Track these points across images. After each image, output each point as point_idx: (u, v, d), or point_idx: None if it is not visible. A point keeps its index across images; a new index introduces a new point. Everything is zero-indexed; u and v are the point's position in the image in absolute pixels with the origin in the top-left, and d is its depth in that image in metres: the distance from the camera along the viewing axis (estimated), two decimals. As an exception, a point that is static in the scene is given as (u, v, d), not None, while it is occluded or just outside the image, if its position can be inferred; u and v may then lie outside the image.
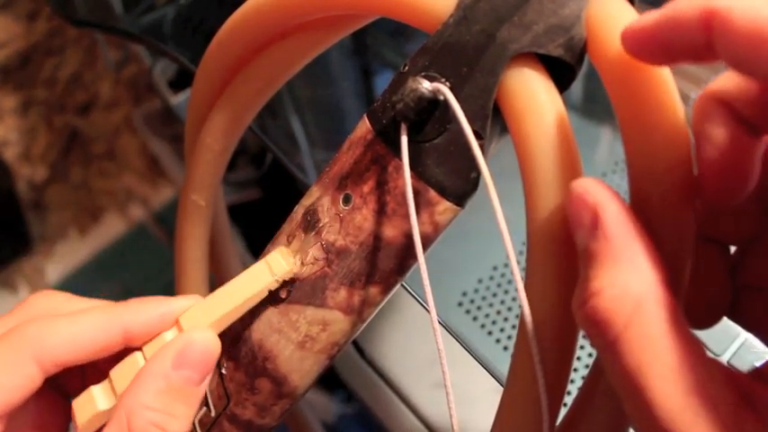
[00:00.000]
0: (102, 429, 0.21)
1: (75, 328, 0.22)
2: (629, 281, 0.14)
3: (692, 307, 0.18)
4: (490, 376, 0.35)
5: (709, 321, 0.19)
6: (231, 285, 0.23)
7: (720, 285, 0.18)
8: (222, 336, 0.23)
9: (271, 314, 0.23)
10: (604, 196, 0.15)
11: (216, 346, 0.22)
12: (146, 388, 0.21)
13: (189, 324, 0.22)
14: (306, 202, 0.23)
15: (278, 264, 0.23)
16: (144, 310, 0.22)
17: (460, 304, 0.38)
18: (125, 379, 0.22)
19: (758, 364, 0.15)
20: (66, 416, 0.25)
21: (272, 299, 0.23)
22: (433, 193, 0.20)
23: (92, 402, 0.22)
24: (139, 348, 0.23)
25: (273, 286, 0.23)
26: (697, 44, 0.14)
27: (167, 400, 0.21)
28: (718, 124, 0.15)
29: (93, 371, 0.25)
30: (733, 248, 0.19)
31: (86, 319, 0.22)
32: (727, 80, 0.15)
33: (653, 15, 0.15)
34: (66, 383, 0.25)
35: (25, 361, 0.21)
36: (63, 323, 0.22)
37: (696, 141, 0.16)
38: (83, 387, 0.24)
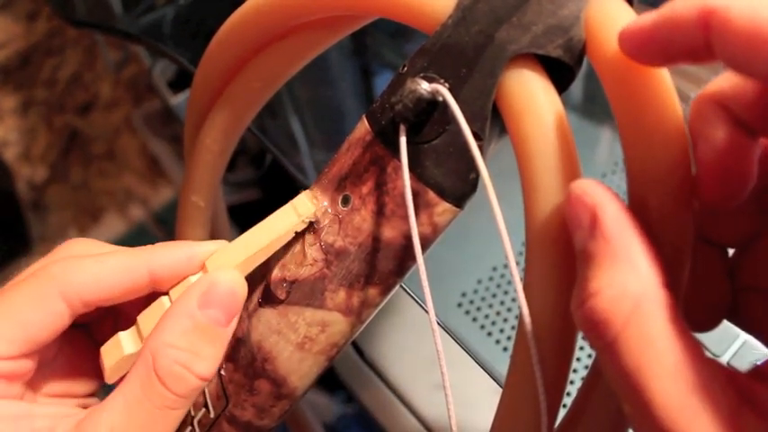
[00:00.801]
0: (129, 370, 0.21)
1: (100, 267, 0.22)
2: (628, 281, 0.14)
3: (692, 310, 0.18)
4: (489, 377, 0.35)
5: (709, 324, 0.19)
6: (258, 228, 0.22)
7: (720, 288, 0.18)
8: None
9: (270, 315, 0.23)
10: (603, 197, 0.15)
11: (242, 286, 0.22)
12: (171, 327, 0.21)
13: (215, 267, 0.22)
14: (305, 202, 0.23)
15: (303, 205, 0.22)
16: (170, 253, 0.22)
17: (460, 305, 0.38)
18: (152, 322, 0.21)
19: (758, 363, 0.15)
20: (98, 364, 0.24)
21: (272, 300, 0.23)
22: (431, 195, 0.20)
23: (118, 347, 0.22)
24: (166, 293, 0.22)
25: (300, 227, 0.22)
26: (695, 44, 0.14)
27: (193, 340, 0.21)
28: (715, 126, 0.15)
29: (126, 322, 0.24)
30: (731, 251, 0.19)
31: (112, 259, 0.22)
32: (724, 82, 0.15)
33: (650, 16, 0.15)
34: (98, 334, 0.25)
35: (52, 297, 0.21)
36: (89, 262, 0.22)
37: (693, 143, 0.16)
38: (114, 334, 0.24)
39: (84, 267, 0.22)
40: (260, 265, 0.23)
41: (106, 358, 0.22)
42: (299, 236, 0.22)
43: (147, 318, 0.22)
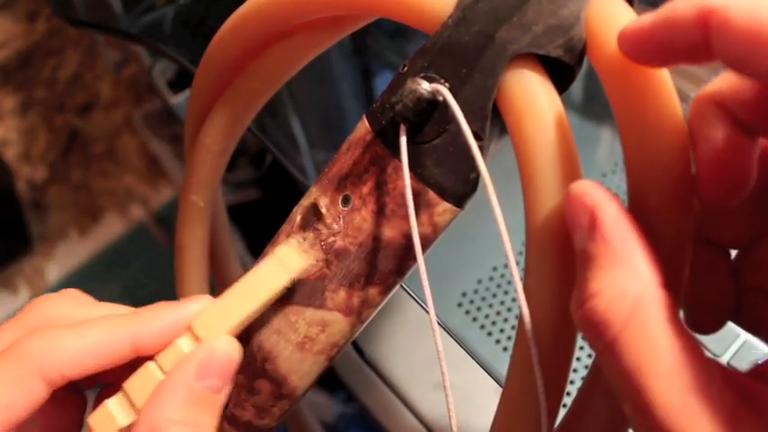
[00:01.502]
0: None
1: (81, 342, 0.21)
2: (627, 282, 0.14)
3: (696, 311, 0.18)
4: (489, 377, 0.35)
5: (713, 326, 0.19)
6: (244, 284, 0.22)
7: (723, 289, 0.18)
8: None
9: (270, 315, 0.23)
10: (602, 198, 0.15)
11: (238, 351, 0.22)
12: (169, 401, 0.20)
13: (203, 330, 0.21)
14: (305, 202, 0.23)
15: (291, 258, 0.22)
16: (154, 320, 0.22)
17: (460, 305, 0.38)
18: (142, 391, 0.21)
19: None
20: (78, 409, 0.24)
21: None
22: (432, 195, 0.20)
23: (110, 418, 0.21)
24: (152, 357, 0.22)
25: (289, 285, 0.22)
26: (694, 44, 0.14)
27: (191, 412, 0.20)
28: (714, 126, 0.15)
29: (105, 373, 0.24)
30: (733, 252, 0.19)
31: (94, 331, 0.21)
32: (722, 82, 0.15)
33: (649, 17, 0.15)
34: (79, 382, 0.24)
35: (31, 377, 0.20)
36: (69, 337, 0.21)
37: (693, 143, 0.16)
38: (95, 381, 0.23)
39: (64, 344, 0.21)
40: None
41: (95, 428, 0.21)
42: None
43: (135, 385, 0.21)
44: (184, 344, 0.21)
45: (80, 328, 0.21)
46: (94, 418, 0.22)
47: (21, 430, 0.21)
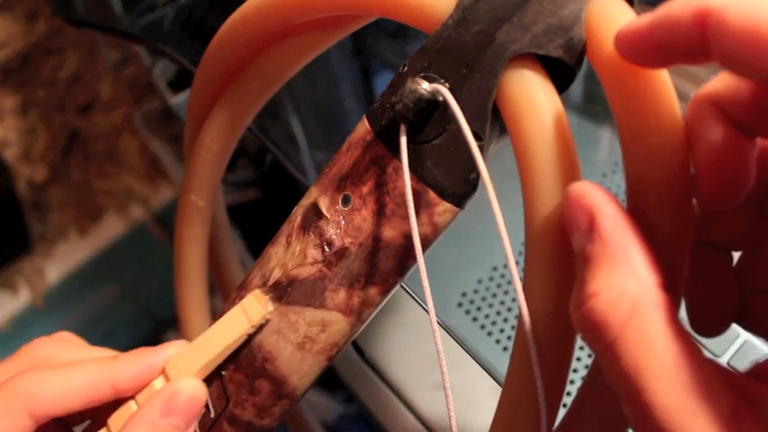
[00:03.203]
0: None
1: (66, 383, 0.23)
2: (626, 283, 0.14)
3: (700, 314, 0.18)
4: (489, 377, 0.35)
5: (717, 328, 0.19)
6: (211, 332, 0.24)
7: (727, 291, 0.18)
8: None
9: (270, 315, 0.23)
10: (600, 199, 0.15)
11: (202, 392, 0.23)
12: None
13: (174, 372, 0.24)
14: (305, 202, 0.23)
15: (253, 308, 0.23)
16: (132, 364, 0.24)
17: (460, 305, 0.38)
18: (121, 426, 0.23)
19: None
20: None
21: (275, 298, 0.23)
22: (432, 195, 0.20)
23: None
24: (133, 397, 0.24)
25: (251, 331, 0.23)
26: (691, 45, 0.14)
27: None
28: (711, 127, 0.15)
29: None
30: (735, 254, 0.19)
31: (77, 373, 0.23)
32: (719, 83, 0.15)
33: (646, 18, 0.15)
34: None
35: (19, 413, 0.22)
36: (55, 378, 0.23)
37: (691, 143, 0.16)
38: (81, 418, 0.25)
39: (50, 384, 0.22)
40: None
41: None
42: (305, 229, 0.23)
43: (116, 421, 0.24)
44: (158, 384, 0.24)
45: (66, 371, 0.23)
46: None
47: None
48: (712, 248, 0.18)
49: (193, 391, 0.23)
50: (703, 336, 0.19)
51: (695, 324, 0.19)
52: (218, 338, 0.24)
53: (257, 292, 0.24)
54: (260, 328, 0.23)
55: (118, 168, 1.16)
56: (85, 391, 0.23)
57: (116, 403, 0.24)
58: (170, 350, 0.24)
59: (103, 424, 0.24)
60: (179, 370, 0.24)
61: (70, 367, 0.23)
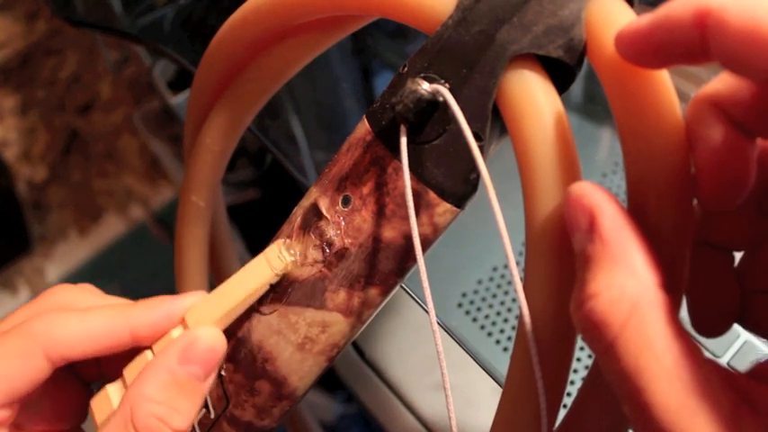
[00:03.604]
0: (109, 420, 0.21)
1: (83, 326, 0.22)
2: (626, 283, 0.14)
3: (701, 315, 0.18)
4: (489, 377, 0.35)
5: (719, 329, 0.19)
6: (232, 281, 0.23)
7: (728, 292, 0.18)
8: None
9: (270, 316, 0.23)
10: (601, 199, 0.15)
11: (221, 342, 0.23)
12: (151, 381, 0.21)
13: (194, 321, 0.23)
14: (305, 203, 0.23)
15: (275, 258, 0.23)
16: (151, 310, 0.23)
17: (460, 305, 0.38)
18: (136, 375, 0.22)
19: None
20: (83, 399, 0.25)
21: (275, 299, 0.23)
22: (432, 195, 0.20)
23: (107, 401, 0.23)
24: (149, 347, 0.23)
25: (273, 280, 0.23)
26: (691, 45, 0.14)
27: (171, 394, 0.21)
28: (711, 127, 0.15)
29: (108, 359, 0.25)
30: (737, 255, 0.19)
31: (95, 317, 0.22)
32: (719, 83, 0.15)
33: (646, 18, 0.15)
34: (82, 370, 0.26)
35: (35, 354, 0.22)
36: (72, 320, 0.22)
37: (691, 144, 0.16)
38: (98, 374, 0.25)
39: (67, 325, 0.22)
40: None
41: (97, 413, 0.23)
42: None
43: (132, 372, 0.23)
44: (176, 333, 0.23)
45: (83, 315, 0.22)
46: (95, 400, 0.23)
47: (27, 408, 0.23)
48: (713, 249, 0.18)
49: (212, 339, 0.22)
50: (705, 336, 0.19)
51: (697, 324, 0.19)
52: (239, 287, 0.23)
53: (279, 241, 0.23)
54: (279, 281, 0.23)
55: (118, 168, 1.16)
56: (103, 335, 0.22)
57: (131, 357, 0.23)
58: (190, 299, 0.23)
59: (115, 362, 0.24)
60: (198, 319, 0.23)
61: (88, 311, 0.23)
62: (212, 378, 0.22)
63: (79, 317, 0.22)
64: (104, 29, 0.50)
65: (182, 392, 0.21)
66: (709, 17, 0.13)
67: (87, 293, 0.25)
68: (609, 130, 0.44)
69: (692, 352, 0.14)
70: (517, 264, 0.17)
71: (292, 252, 0.23)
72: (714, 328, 0.19)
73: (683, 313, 0.18)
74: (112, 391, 0.23)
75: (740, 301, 0.18)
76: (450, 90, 0.18)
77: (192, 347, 0.22)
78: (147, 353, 0.23)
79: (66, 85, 1.07)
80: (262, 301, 0.24)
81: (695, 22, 0.13)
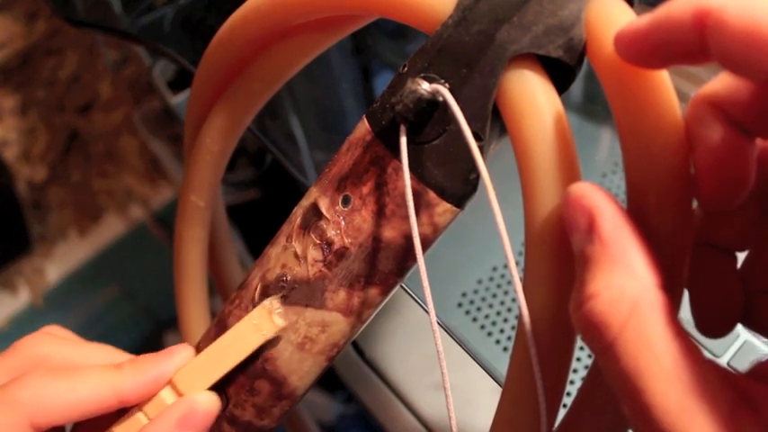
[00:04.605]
0: None
1: (71, 394, 0.22)
2: (625, 284, 0.14)
3: (705, 316, 0.18)
4: (489, 377, 0.35)
5: (722, 329, 0.19)
6: (220, 344, 0.24)
7: (731, 292, 0.18)
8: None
9: (280, 332, 0.23)
10: (600, 200, 0.15)
11: (216, 406, 0.24)
12: None
13: (184, 385, 0.23)
14: (305, 203, 0.23)
15: (265, 322, 0.23)
16: (139, 374, 0.23)
17: (460, 305, 0.38)
18: None
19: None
20: None
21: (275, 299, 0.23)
22: (432, 195, 0.20)
23: None
24: (139, 407, 0.24)
25: (262, 342, 0.23)
26: (690, 45, 0.14)
27: None
28: (711, 127, 0.15)
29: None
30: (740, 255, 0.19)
31: (82, 383, 0.23)
32: (718, 83, 0.15)
33: (645, 18, 0.15)
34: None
35: (21, 425, 0.22)
36: (59, 388, 0.22)
37: (691, 144, 0.16)
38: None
39: (55, 394, 0.22)
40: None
41: None
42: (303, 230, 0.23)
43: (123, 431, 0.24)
44: (167, 396, 0.23)
45: (70, 380, 0.23)
46: None
47: None
48: (715, 249, 0.18)
49: (209, 405, 0.23)
50: (709, 337, 0.19)
51: (700, 325, 0.19)
52: (226, 354, 0.23)
53: (266, 303, 0.23)
54: (270, 341, 0.23)
55: (118, 168, 1.16)
56: (89, 402, 0.23)
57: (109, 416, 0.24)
58: (176, 359, 0.24)
59: (103, 428, 0.24)
60: (189, 384, 0.23)
61: (74, 376, 0.23)
62: None
63: (67, 384, 0.22)
64: (104, 29, 0.50)
65: None
66: (709, 17, 0.13)
67: (60, 343, 0.25)
68: (609, 130, 0.44)
69: (692, 352, 0.14)
70: (517, 264, 0.17)
71: (279, 316, 0.23)
72: (718, 328, 0.19)
73: (685, 313, 0.18)
74: None
75: (744, 301, 0.18)
76: (450, 90, 0.18)
77: (191, 414, 0.23)
78: (140, 416, 0.24)
79: (66, 85, 1.07)
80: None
81: (694, 22, 0.13)
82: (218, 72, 0.28)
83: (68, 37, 1.04)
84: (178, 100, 0.59)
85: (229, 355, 0.23)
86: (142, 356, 0.24)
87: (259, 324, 0.23)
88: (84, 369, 0.23)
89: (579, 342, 0.17)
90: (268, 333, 0.23)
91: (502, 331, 0.37)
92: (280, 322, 0.23)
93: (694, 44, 0.14)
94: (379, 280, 0.21)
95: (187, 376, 0.24)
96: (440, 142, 0.19)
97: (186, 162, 0.32)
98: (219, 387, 0.24)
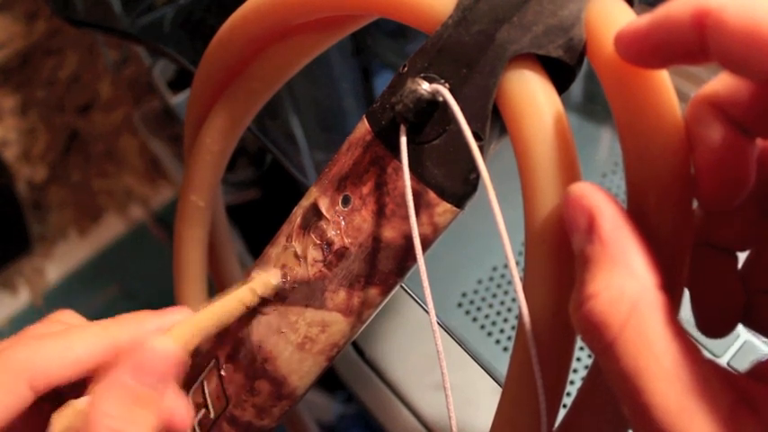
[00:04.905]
0: None
1: (66, 350, 0.22)
2: (625, 284, 0.14)
3: (706, 316, 0.18)
4: (489, 377, 0.35)
5: (723, 329, 0.19)
6: (219, 302, 0.23)
7: (732, 292, 0.18)
8: (221, 337, 0.23)
9: (270, 316, 0.23)
10: (600, 200, 0.15)
11: (173, 352, 0.22)
12: (105, 396, 0.21)
13: (179, 340, 0.23)
14: (305, 203, 0.23)
15: (260, 283, 0.23)
16: (134, 327, 0.23)
17: (460, 305, 0.38)
18: None
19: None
20: None
21: (270, 300, 0.23)
22: (432, 195, 0.20)
23: (69, 416, 0.22)
24: None
25: (254, 302, 0.23)
26: (690, 45, 0.14)
27: (126, 408, 0.21)
28: (710, 127, 0.15)
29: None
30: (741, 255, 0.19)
31: (76, 337, 0.22)
32: (718, 83, 0.15)
33: (645, 18, 0.15)
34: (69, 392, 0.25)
35: (18, 385, 0.21)
36: (55, 344, 0.22)
37: (691, 144, 0.16)
38: (82, 390, 0.24)
39: (49, 350, 0.22)
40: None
41: (56, 423, 0.22)
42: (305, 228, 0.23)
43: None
44: None
45: (64, 337, 0.22)
46: (56, 415, 0.22)
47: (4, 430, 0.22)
48: (715, 250, 0.18)
49: (165, 350, 0.22)
50: (709, 336, 0.19)
51: (701, 325, 0.19)
52: (221, 306, 0.23)
53: (269, 270, 0.23)
54: (262, 303, 0.23)
55: (118, 168, 1.16)
56: (87, 358, 0.22)
57: None
58: (175, 315, 0.23)
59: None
60: (179, 335, 0.23)
61: (69, 333, 0.22)
62: (166, 385, 0.22)
63: (62, 340, 0.22)
64: (104, 29, 0.50)
65: (138, 403, 0.21)
66: (709, 17, 0.13)
67: (66, 317, 0.24)
68: (609, 130, 0.44)
69: (692, 352, 0.14)
70: (517, 264, 0.17)
71: (275, 273, 0.23)
72: (718, 328, 0.19)
73: (685, 313, 0.18)
74: (77, 405, 0.22)
75: (744, 301, 0.18)
76: (450, 90, 0.18)
77: (144, 359, 0.21)
78: None
79: (66, 85, 1.07)
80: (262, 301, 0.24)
81: (694, 22, 0.13)
82: (218, 72, 0.28)
83: (68, 37, 1.04)
84: (178, 100, 0.59)
85: (225, 309, 0.23)
86: (140, 311, 0.24)
87: (253, 286, 0.23)
88: (80, 326, 0.23)
89: (579, 342, 0.17)
90: (259, 289, 0.23)
91: (502, 331, 0.37)
92: (273, 282, 0.23)
93: (694, 44, 0.14)
94: (379, 280, 0.21)
95: (178, 330, 0.23)
96: (440, 142, 0.19)
97: (186, 162, 0.32)
98: (215, 377, 0.24)
